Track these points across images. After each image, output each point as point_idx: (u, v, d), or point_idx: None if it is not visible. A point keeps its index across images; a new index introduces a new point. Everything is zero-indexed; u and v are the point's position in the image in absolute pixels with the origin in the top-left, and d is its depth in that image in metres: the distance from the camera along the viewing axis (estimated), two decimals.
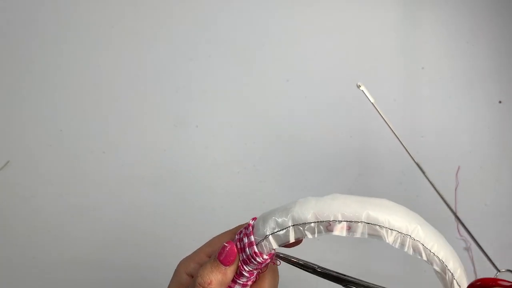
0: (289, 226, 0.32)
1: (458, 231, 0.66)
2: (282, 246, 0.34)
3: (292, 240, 0.33)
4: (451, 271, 0.31)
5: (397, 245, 0.31)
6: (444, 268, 0.31)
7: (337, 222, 0.31)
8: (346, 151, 0.70)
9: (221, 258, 0.34)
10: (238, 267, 0.34)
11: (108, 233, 0.70)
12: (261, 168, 0.70)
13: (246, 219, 0.36)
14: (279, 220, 0.33)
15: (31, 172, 0.70)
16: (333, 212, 0.31)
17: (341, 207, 0.31)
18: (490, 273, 0.35)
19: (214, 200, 0.70)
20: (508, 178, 0.68)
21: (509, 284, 0.30)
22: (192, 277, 0.37)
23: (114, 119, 0.71)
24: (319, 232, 0.32)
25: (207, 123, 0.71)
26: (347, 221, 0.31)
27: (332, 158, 0.70)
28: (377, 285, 0.32)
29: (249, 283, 0.36)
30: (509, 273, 0.34)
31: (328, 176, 0.70)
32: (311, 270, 0.33)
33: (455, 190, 0.68)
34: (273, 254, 0.34)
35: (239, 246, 0.34)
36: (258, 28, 0.72)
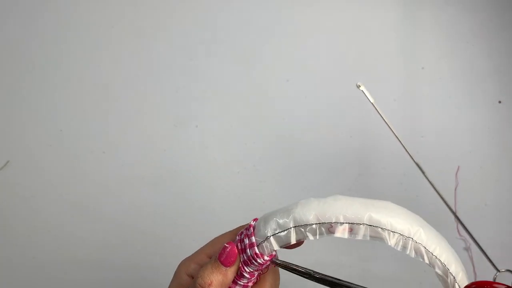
0: (290, 228, 0.32)
1: (458, 231, 0.66)
2: (283, 248, 0.34)
3: (293, 241, 0.33)
4: (453, 274, 0.31)
5: (399, 248, 0.31)
6: (446, 271, 0.31)
7: (339, 224, 0.31)
8: (346, 151, 0.70)
9: (222, 259, 0.34)
10: (238, 268, 0.34)
11: (108, 233, 0.70)
12: (261, 168, 0.70)
13: (246, 219, 0.36)
14: (281, 221, 0.33)
15: (31, 172, 0.70)
16: (335, 213, 0.31)
17: (343, 209, 0.31)
18: (490, 273, 0.35)
19: (214, 200, 0.70)
20: (508, 178, 0.68)
21: (504, 287, 0.30)
22: (193, 278, 0.37)
23: (114, 119, 0.71)
24: (321, 233, 0.32)
25: (207, 123, 0.71)
26: (349, 223, 0.31)
27: (332, 158, 0.70)
28: None
29: (250, 284, 0.35)
30: (508, 273, 0.34)
31: (328, 176, 0.70)
32: (308, 276, 0.33)
33: (455, 190, 0.68)
34: (274, 255, 0.34)
35: (240, 247, 0.34)
36: (258, 28, 0.72)
